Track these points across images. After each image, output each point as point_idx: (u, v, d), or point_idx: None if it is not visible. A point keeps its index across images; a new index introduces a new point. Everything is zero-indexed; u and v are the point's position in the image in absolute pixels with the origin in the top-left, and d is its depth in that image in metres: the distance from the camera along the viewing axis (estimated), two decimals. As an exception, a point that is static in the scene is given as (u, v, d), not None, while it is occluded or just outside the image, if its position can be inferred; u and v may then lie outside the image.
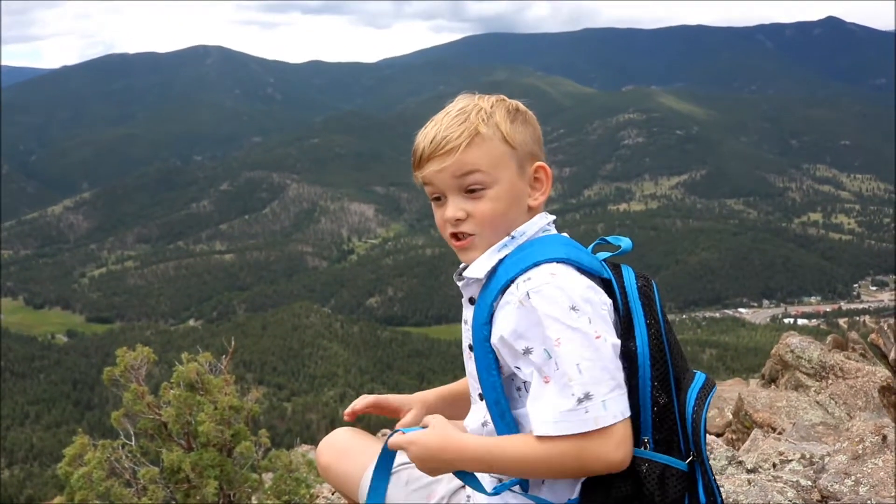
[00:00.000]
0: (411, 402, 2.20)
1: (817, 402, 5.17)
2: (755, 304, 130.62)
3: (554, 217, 1.93)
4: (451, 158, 1.83)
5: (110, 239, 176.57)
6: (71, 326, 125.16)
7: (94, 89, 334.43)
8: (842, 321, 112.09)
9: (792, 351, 5.57)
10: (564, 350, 1.63)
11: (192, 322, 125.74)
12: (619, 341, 1.70)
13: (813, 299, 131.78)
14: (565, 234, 1.91)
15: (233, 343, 6.25)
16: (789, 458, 3.63)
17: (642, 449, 1.72)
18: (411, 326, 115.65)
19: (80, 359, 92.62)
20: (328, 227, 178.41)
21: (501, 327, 1.75)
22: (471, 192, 1.85)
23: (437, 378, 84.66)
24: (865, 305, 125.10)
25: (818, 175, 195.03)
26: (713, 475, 1.75)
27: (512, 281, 1.75)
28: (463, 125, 1.84)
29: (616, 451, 1.61)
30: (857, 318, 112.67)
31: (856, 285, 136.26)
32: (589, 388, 1.61)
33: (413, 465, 1.89)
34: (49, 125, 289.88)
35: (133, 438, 5.61)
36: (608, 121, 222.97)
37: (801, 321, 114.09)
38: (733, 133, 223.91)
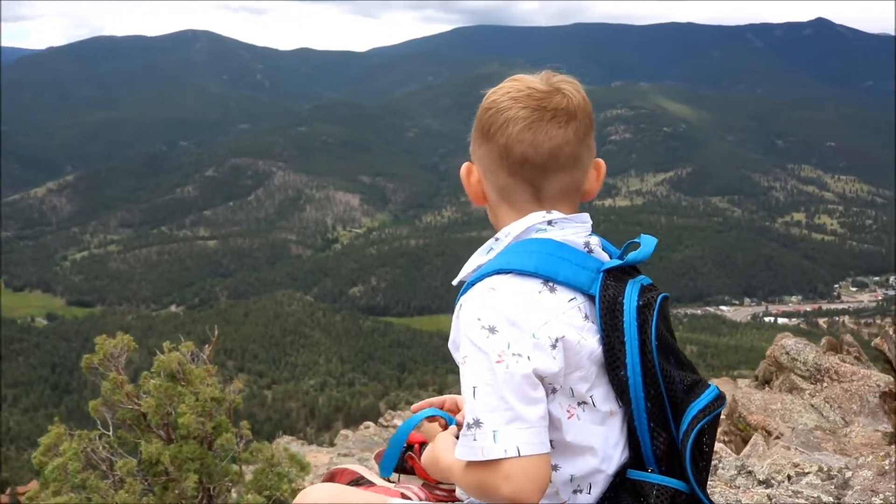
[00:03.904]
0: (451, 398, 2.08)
1: (812, 406, 5.07)
2: (737, 302, 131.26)
3: (557, 216, 1.72)
4: None
5: (93, 223, 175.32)
6: (51, 310, 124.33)
7: (80, 72, 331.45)
8: (822, 321, 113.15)
9: (787, 353, 5.47)
10: (466, 370, 1.53)
11: (173, 308, 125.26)
12: (530, 370, 1.50)
13: (794, 298, 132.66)
14: (561, 237, 1.70)
15: (216, 333, 6.09)
16: (805, 471, 3.45)
17: (648, 472, 1.64)
18: (394, 317, 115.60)
19: (60, 342, 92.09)
20: (313, 216, 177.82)
21: (451, 335, 1.66)
22: None
23: (419, 369, 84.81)
24: (846, 306, 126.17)
25: (803, 175, 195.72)
26: (707, 500, 1.64)
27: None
28: None
29: (505, 483, 1.47)
30: (837, 319, 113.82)
31: (836, 286, 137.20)
32: (480, 414, 1.49)
33: None
34: (33, 107, 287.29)
35: (111, 428, 5.44)
36: (596, 116, 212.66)
37: (781, 320, 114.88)
38: (720, 131, 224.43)
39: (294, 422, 61.33)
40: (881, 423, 4.46)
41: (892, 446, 3.34)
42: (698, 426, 1.61)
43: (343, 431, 10.31)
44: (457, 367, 1.65)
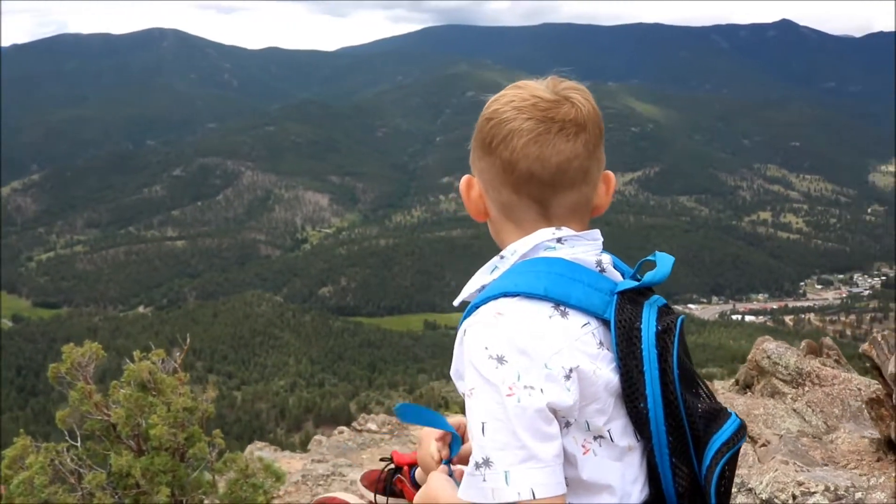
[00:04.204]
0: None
1: (794, 410, 5.02)
2: (704, 301, 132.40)
3: (567, 233, 1.52)
4: None
5: (59, 223, 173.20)
6: (17, 311, 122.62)
7: (45, 69, 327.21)
8: (788, 318, 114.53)
9: (769, 357, 5.42)
10: (473, 403, 1.37)
11: (141, 309, 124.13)
12: (544, 403, 1.34)
13: (760, 296, 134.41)
14: (572, 255, 1.51)
15: (188, 340, 5.93)
16: (811, 490, 3.31)
17: None
18: (364, 317, 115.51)
19: (26, 344, 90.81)
20: (282, 216, 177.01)
21: (453, 363, 1.51)
22: None
23: (389, 369, 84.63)
24: (811, 303, 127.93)
25: (768, 175, 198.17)
26: None
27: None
28: None
29: None
30: (803, 316, 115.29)
31: (802, 283, 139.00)
32: (490, 452, 1.33)
33: None
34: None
35: (79, 440, 5.27)
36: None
37: (748, 318, 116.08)
38: (687, 131, 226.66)
39: (264, 423, 60.92)
40: (866, 428, 4.42)
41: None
42: (723, 460, 1.46)
43: (317, 437, 10.15)
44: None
